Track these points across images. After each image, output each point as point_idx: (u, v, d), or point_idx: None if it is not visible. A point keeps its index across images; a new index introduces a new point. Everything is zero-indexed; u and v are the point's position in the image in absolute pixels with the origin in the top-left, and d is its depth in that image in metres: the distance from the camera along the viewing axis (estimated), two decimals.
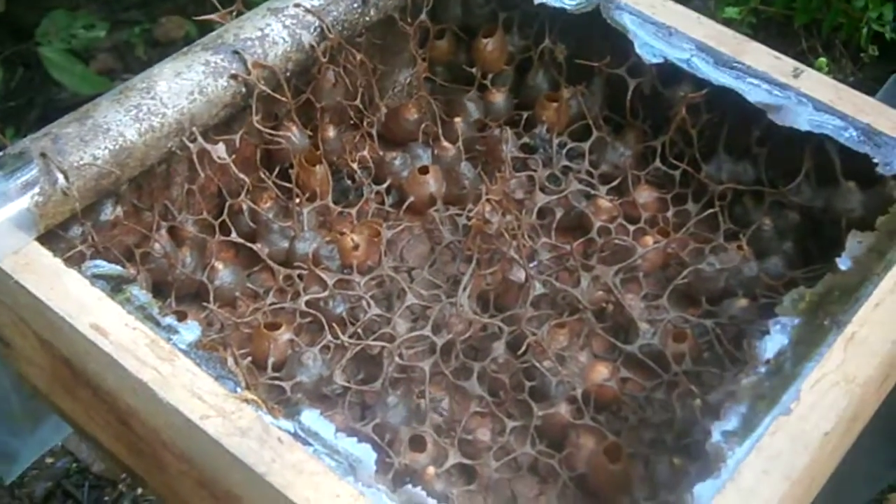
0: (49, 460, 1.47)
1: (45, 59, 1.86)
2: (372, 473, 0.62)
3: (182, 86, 0.78)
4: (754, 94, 0.83)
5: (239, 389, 0.64)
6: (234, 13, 0.85)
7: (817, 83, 0.83)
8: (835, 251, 0.75)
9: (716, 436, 0.63)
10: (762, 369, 0.67)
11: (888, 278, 0.71)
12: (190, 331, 0.67)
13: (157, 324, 0.67)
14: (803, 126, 0.81)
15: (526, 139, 0.92)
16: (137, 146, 0.76)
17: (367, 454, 0.62)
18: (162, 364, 0.65)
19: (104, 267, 0.71)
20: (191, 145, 0.78)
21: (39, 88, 1.94)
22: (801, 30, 2.04)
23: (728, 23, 2.01)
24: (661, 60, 0.86)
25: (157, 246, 0.79)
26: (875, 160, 0.79)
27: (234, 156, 0.82)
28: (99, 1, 2.31)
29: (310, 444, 0.62)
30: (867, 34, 1.97)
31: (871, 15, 1.94)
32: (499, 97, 0.94)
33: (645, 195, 0.89)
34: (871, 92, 1.95)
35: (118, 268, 0.71)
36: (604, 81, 0.92)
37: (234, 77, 0.80)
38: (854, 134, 0.81)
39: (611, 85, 0.92)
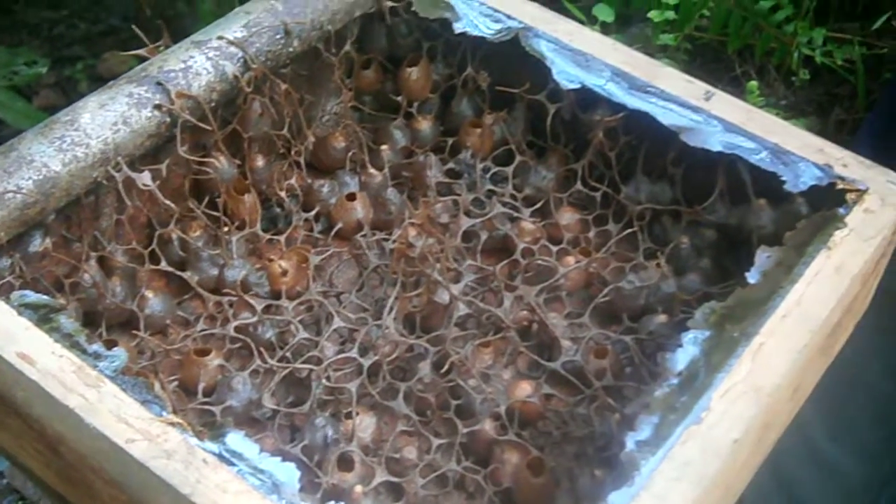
0: None
1: None
2: (296, 492, 0.63)
3: (106, 117, 0.79)
4: (668, 117, 0.86)
5: (165, 413, 0.66)
6: (162, 47, 0.86)
7: (728, 105, 0.86)
8: (750, 267, 0.78)
9: (629, 445, 0.66)
10: (675, 381, 0.69)
11: (794, 291, 0.74)
12: (116, 357, 0.68)
13: (84, 351, 0.68)
14: (715, 147, 0.84)
15: (451, 164, 0.95)
16: (62, 176, 0.77)
17: (290, 474, 0.63)
18: (88, 390, 0.66)
19: (32, 297, 0.72)
20: (116, 175, 0.79)
21: None
22: (735, 55, 2.09)
23: (664, 49, 2.06)
24: (578, 86, 0.89)
25: (86, 276, 0.80)
26: (783, 178, 0.82)
27: (162, 185, 0.83)
28: (41, 37, 2.31)
29: (234, 465, 0.63)
30: (798, 58, 2.02)
31: (800, 39, 1.99)
32: (424, 124, 0.97)
33: (567, 217, 0.91)
34: (804, 114, 2.01)
35: (46, 297, 0.72)
36: (525, 107, 0.95)
37: (157, 107, 0.81)
38: (763, 154, 0.84)
39: (532, 110, 0.94)
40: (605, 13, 2.12)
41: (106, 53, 2.24)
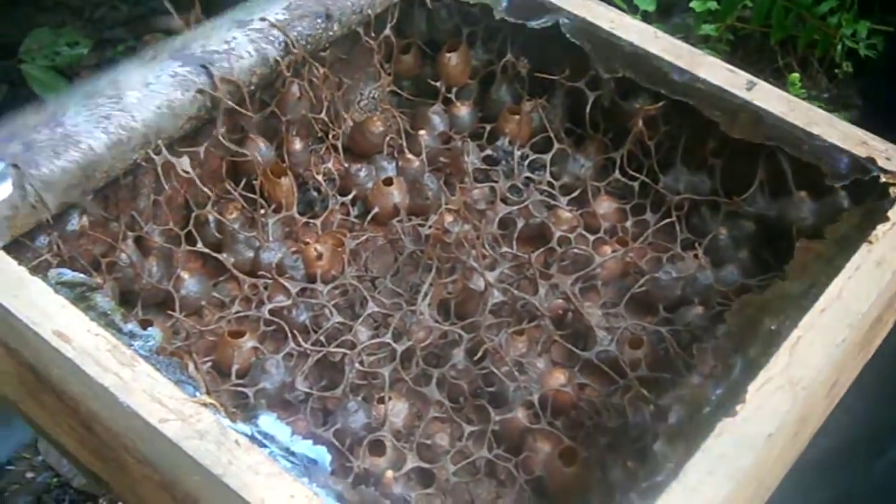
0: (30, 475, 1.48)
1: (29, 77, 1.88)
2: (327, 474, 0.63)
3: (150, 97, 0.80)
4: (708, 106, 0.85)
5: (198, 394, 0.66)
6: (193, 20, 0.86)
7: (770, 96, 0.85)
8: (789, 259, 0.77)
9: (663, 437, 0.65)
10: (710, 373, 0.69)
11: (834, 285, 0.73)
12: (151, 337, 0.68)
13: (119, 330, 0.69)
14: (756, 138, 0.83)
15: (489, 151, 0.94)
16: (105, 159, 0.77)
17: (322, 456, 0.64)
18: (123, 369, 0.66)
19: (69, 275, 0.72)
20: (156, 158, 0.80)
21: (23, 106, 1.96)
22: (778, 47, 2.07)
23: (705, 39, 2.04)
24: (618, 74, 0.88)
25: (123, 256, 0.81)
26: (825, 170, 0.81)
27: (199, 168, 0.83)
28: (84, 19, 2.33)
29: (266, 447, 0.63)
30: (841, 51, 1.99)
31: (844, 32, 1.96)
32: (463, 110, 0.96)
33: (604, 206, 0.91)
34: (845, 107, 1.99)
35: (82, 276, 0.73)
36: (564, 94, 0.94)
37: (200, 92, 0.81)
38: (805, 145, 0.83)
39: (571, 98, 0.94)
40: (646, 2, 2.10)
41: (147, 35, 2.25)
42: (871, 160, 0.80)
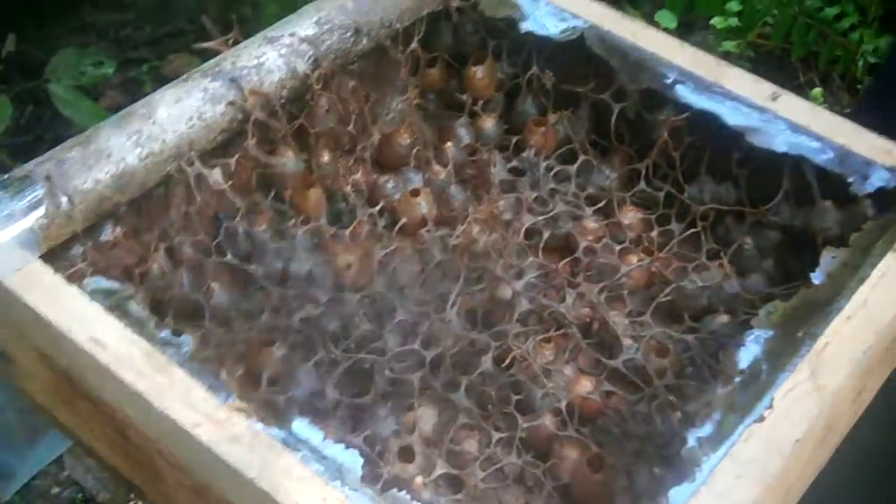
0: (55, 490, 1.49)
1: (54, 96, 1.89)
2: (358, 478, 0.64)
3: (181, 111, 0.81)
4: (734, 117, 0.86)
5: (231, 399, 0.67)
6: (232, 41, 0.88)
7: (795, 106, 0.86)
8: (814, 269, 0.78)
9: (691, 442, 0.66)
10: (737, 379, 0.69)
11: (860, 292, 0.74)
12: (184, 344, 0.69)
13: (153, 338, 0.70)
14: (781, 148, 0.84)
15: (515, 163, 0.95)
16: (138, 170, 0.79)
17: (353, 460, 0.65)
18: (157, 375, 0.68)
19: (103, 283, 0.74)
20: (188, 169, 0.81)
21: (49, 125, 1.98)
22: (799, 63, 2.08)
23: (726, 56, 2.05)
24: (643, 86, 0.89)
25: (155, 266, 0.82)
26: (849, 180, 0.82)
27: (230, 179, 0.85)
28: (108, 39, 2.35)
29: (298, 450, 0.64)
30: (863, 66, 2.00)
31: (866, 48, 1.97)
32: (488, 122, 0.97)
33: (630, 216, 0.92)
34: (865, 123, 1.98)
35: (117, 284, 0.74)
36: (589, 106, 0.95)
37: (231, 104, 0.83)
38: (830, 155, 0.83)
39: (596, 110, 0.95)
40: (667, 19, 2.11)
41: (171, 55, 2.27)
42: (892, 171, 0.81)
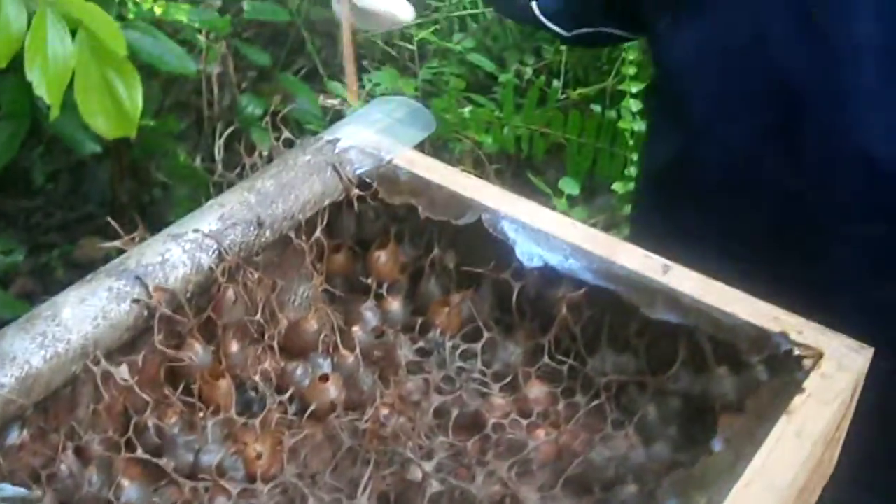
0: None
1: None
2: None
3: (86, 312, 0.82)
4: (627, 291, 0.89)
5: None
6: (137, 239, 0.90)
7: (685, 279, 0.90)
8: (715, 434, 0.80)
9: None
10: None
11: (758, 457, 0.76)
12: None
13: None
14: (674, 318, 0.88)
15: (421, 343, 0.97)
16: (43, 372, 0.79)
17: None
18: None
19: (9, 490, 0.73)
20: (94, 368, 0.81)
21: None
22: None
23: (628, 220, 2.12)
24: (541, 264, 0.93)
25: (63, 467, 0.81)
26: (741, 346, 0.85)
27: (138, 375, 0.85)
28: (18, 226, 2.36)
29: None
30: None
31: None
32: (394, 305, 1.00)
33: (536, 390, 0.93)
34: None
35: (23, 490, 0.74)
36: (491, 285, 0.98)
37: (136, 301, 0.84)
38: (721, 323, 0.87)
39: (498, 288, 0.97)
40: (570, 186, 2.19)
41: (82, 240, 2.28)
42: (784, 335, 0.85)
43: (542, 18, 1.19)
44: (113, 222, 0.92)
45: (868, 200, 1.01)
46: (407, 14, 0.95)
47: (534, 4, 1.18)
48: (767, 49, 1.00)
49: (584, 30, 1.21)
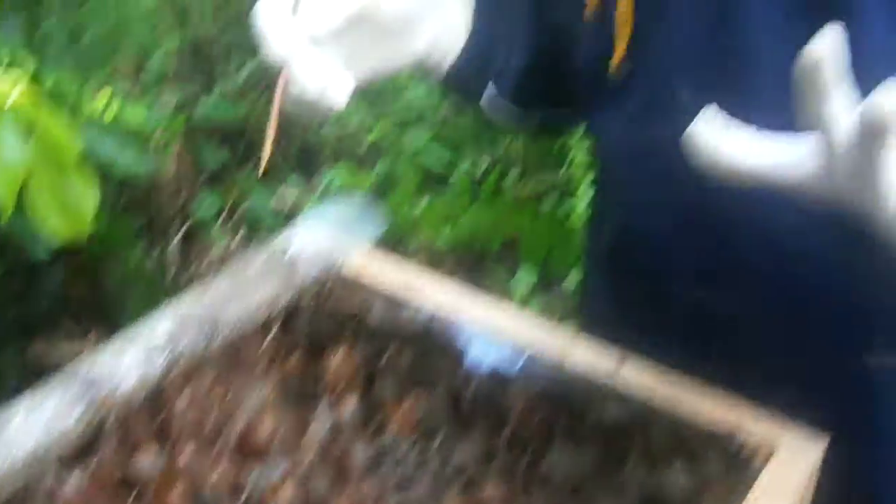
0: None
1: None
2: None
3: (36, 419, 0.82)
4: (580, 388, 0.90)
5: None
6: (92, 341, 0.89)
7: (639, 372, 0.91)
8: None
9: None
10: None
11: None
12: None
13: None
14: (627, 416, 0.88)
15: (376, 445, 0.96)
16: None
17: None
18: None
19: None
20: (45, 478, 0.80)
21: None
22: None
23: None
24: (493, 366, 0.94)
25: None
26: (694, 441, 0.86)
27: (90, 483, 0.84)
28: None
29: None
30: None
31: None
32: (349, 405, 0.99)
33: (492, 490, 0.93)
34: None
35: None
36: (446, 385, 0.97)
37: (88, 408, 0.83)
38: (674, 417, 0.87)
39: (453, 387, 0.97)
40: (527, 275, 2.21)
41: (35, 342, 2.26)
42: (738, 428, 0.86)
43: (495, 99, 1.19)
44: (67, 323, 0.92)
45: (777, 283, 1.00)
46: (339, 101, 0.95)
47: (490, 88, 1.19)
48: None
49: (536, 110, 1.21)
